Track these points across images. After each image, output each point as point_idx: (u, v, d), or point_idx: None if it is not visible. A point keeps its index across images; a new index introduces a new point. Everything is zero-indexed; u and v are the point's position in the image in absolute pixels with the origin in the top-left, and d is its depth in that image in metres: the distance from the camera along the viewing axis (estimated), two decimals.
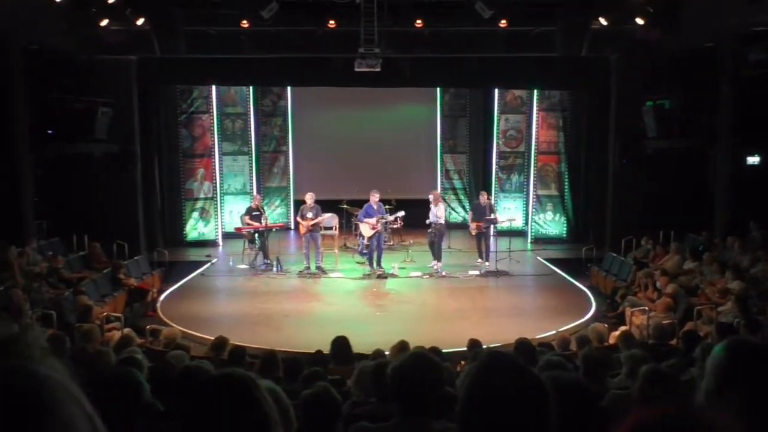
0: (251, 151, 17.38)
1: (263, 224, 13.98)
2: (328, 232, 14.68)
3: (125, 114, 14.35)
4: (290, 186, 18.11)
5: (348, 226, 15.77)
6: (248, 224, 14.14)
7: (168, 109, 16.07)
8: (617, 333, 8.19)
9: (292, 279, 13.45)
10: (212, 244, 16.42)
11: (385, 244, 14.50)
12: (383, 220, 13.49)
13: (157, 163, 15.64)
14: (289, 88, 17.74)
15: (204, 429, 1.54)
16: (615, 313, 11.15)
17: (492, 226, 14.36)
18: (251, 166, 17.40)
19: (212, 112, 16.45)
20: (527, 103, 17.03)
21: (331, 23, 12.96)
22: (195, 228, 16.52)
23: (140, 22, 12.87)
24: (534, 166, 16.73)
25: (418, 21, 13.05)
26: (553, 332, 9.55)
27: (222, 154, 16.92)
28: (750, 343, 1.83)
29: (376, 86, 14.87)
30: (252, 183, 17.38)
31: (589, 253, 14.41)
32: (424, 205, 13.98)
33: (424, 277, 13.41)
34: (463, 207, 18.13)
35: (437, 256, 13.67)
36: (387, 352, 6.45)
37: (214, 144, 16.51)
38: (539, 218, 16.84)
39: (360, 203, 14.22)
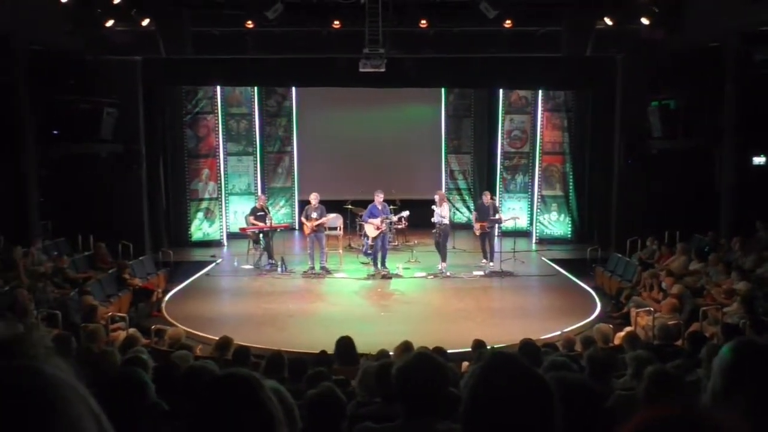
0: (256, 151, 17.39)
1: (268, 224, 13.98)
2: (333, 232, 14.68)
3: (130, 114, 14.37)
4: (295, 186, 18.11)
5: (352, 226, 15.76)
6: (253, 224, 14.14)
7: (173, 109, 16.11)
8: (622, 334, 8.20)
9: (297, 279, 13.45)
10: (217, 244, 16.45)
11: (390, 244, 14.49)
12: (387, 221, 13.47)
13: (162, 164, 15.67)
14: (293, 89, 17.74)
15: (209, 429, 1.54)
16: (620, 314, 11.14)
17: (496, 226, 14.32)
18: (256, 167, 17.41)
19: (217, 113, 16.47)
20: (532, 103, 17.01)
21: (336, 24, 12.94)
22: (200, 228, 16.54)
23: (146, 22, 12.89)
24: (539, 167, 16.70)
25: (423, 21, 13.03)
26: (558, 333, 9.51)
27: (227, 154, 16.94)
28: (757, 344, 1.83)
29: (381, 86, 14.86)
30: (257, 183, 17.39)
31: (594, 253, 14.37)
32: (428, 206, 13.94)
33: (429, 277, 13.39)
34: (468, 207, 18.10)
35: (442, 257, 13.65)
36: (391, 353, 6.44)
37: (218, 144, 16.53)
38: (544, 218, 16.80)
39: (364, 203, 14.19)
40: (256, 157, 17.39)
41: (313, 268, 13.62)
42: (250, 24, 13.02)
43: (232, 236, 16.50)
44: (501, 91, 17.05)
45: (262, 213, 14.10)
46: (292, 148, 18.16)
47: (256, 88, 17.11)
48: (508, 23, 13.02)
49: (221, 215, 16.67)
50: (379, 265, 13.45)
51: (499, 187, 17.28)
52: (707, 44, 13.55)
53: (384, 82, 13.75)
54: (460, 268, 13.84)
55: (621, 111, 14.75)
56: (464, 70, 14.83)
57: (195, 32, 13.45)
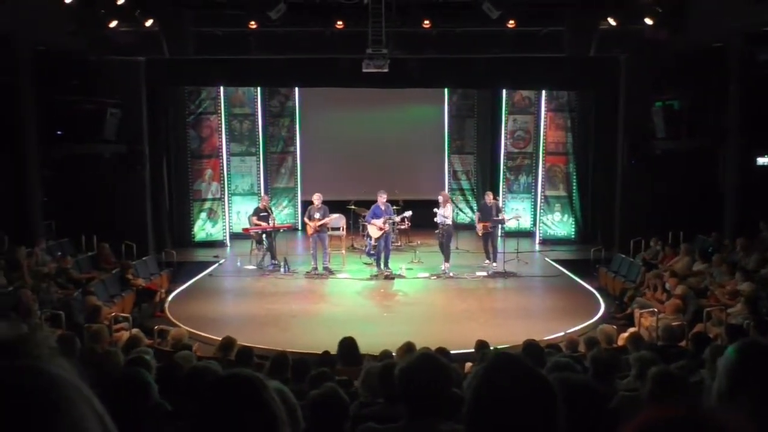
0: (259, 151, 17.38)
1: (271, 225, 13.97)
2: (336, 232, 14.67)
3: (134, 115, 14.40)
4: (298, 187, 18.10)
5: (355, 226, 15.74)
6: (256, 225, 14.13)
7: (176, 109, 16.11)
8: (626, 335, 8.16)
9: (300, 280, 13.44)
10: (220, 244, 16.44)
11: (393, 244, 14.45)
12: (390, 221, 13.46)
13: (165, 164, 15.68)
14: (296, 89, 17.73)
15: (212, 429, 1.54)
16: (624, 315, 11.09)
17: (499, 226, 14.30)
18: (259, 167, 17.40)
19: (220, 113, 16.46)
20: (535, 103, 16.96)
21: (339, 24, 12.90)
22: (203, 229, 16.54)
23: (149, 23, 12.86)
24: (542, 167, 16.66)
25: (426, 22, 12.97)
26: (561, 334, 9.45)
27: (230, 154, 16.93)
28: (761, 344, 1.83)
29: (384, 87, 14.84)
30: (260, 184, 17.38)
31: (598, 254, 14.33)
32: (431, 206, 13.92)
33: (432, 278, 13.37)
34: (471, 208, 18.08)
35: (445, 257, 13.63)
36: (394, 353, 6.43)
37: (221, 145, 16.53)
38: (547, 219, 16.77)
39: (367, 204, 14.18)
40: (259, 158, 17.38)
41: (315, 268, 13.60)
42: (253, 24, 12.98)
43: (235, 237, 16.50)
44: (504, 91, 17.00)
45: (265, 213, 14.09)
46: (295, 149, 18.15)
47: (259, 88, 17.09)
48: (511, 23, 12.98)
49: (224, 215, 16.66)
50: (382, 266, 13.43)
51: (503, 188, 17.24)
52: (711, 44, 13.53)
53: (387, 82, 13.74)
54: (463, 269, 13.81)
55: (624, 111, 14.73)
56: (467, 70, 14.81)
57: (198, 33, 13.45)
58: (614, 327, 8.69)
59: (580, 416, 2.32)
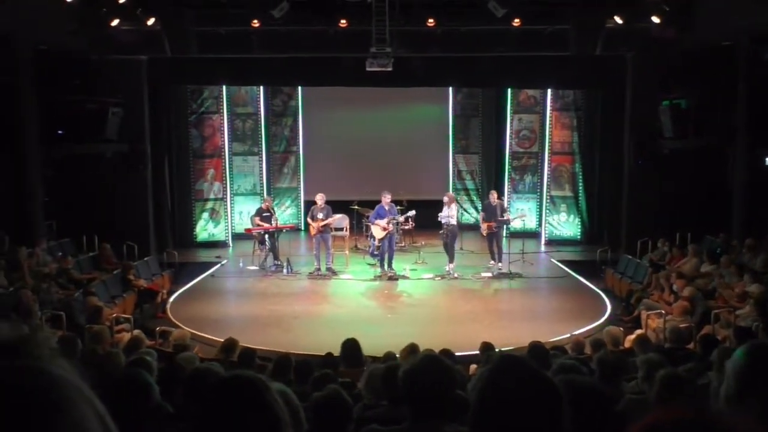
0: (261, 151, 17.31)
1: (273, 225, 13.92)
2: (339, 233, 14.60)
3: (135, 114, 14.37)
4: (300, 186, 18.03)
5: (359, 227, 15.68)
6: (258, 225, 14.07)
7: (178, 109, 16.04)
8: (633, 337, 8.11)
9: (303, 280, 13.40)
10: (222, 245, 16.36)
11: (397, 245, 14.39)
12: (394, 221, 13.37)
13: (167, 164, 15.62)
14: (299, 88, 17.66)
15: (214, 431, 1.53)
16: (630, 317, 11.04)
17: (504, 227, 14.19)
18: (261, 167, 17.32)
19: (222, 112, 16.38)
20: (541, 102, 16.87)
21: (343, 23, 12.85)
22: (205, 229, 16.46)
23: (151, 22, 12.81)
24: (547, 167, 16.56)
25: (430, 20, 12.91)
26: (567, 336, 9.45)
27: (232, 154, 16.87)
28: None
29: (388, 86, 14.78)
30: (262, 183, 17.31)
31: (604, 255, 14.26)
32: (435, 206, 13.88)
33: (436, 278, 13.31)
34: (476, 208, 17.95)
35: (450, 258, 13.54)
36: (398, 355, 6.41)
37: (224, 144, 16.44)
38: (553, 219, 16.67)
39: (371, 204, 14.14)
40: (261, 157, 17.31)
41: (319, 269, 13.55)
42: (255, 23, 12.93)
43: (237, 237, 16.42)
44: (509, 90, 16.91)
45: (268, 214, 14.08)
46: (298, 148, 18.08)
47: (261, 87, 17.03)
48: (516, 22, 12.88)
49: (226, 216, 16.59)
50: (385, 267, 13.37)
51: (508, 188, 17.15)
52: (719, 43, 13.47)
53: (391, 81, 13.67)
54: (467, 270, 13.74)
55: (631, 110, 14.62)
56: (472, 69, 14.72)
57: (200, 31, 13.39)
58: (621, 329, 8.63)
59: (586, 419, 2.30)
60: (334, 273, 13.55)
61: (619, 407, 4.07)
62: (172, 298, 12.19)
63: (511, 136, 17.16)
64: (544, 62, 14.41)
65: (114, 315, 9.92)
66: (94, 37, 12.71)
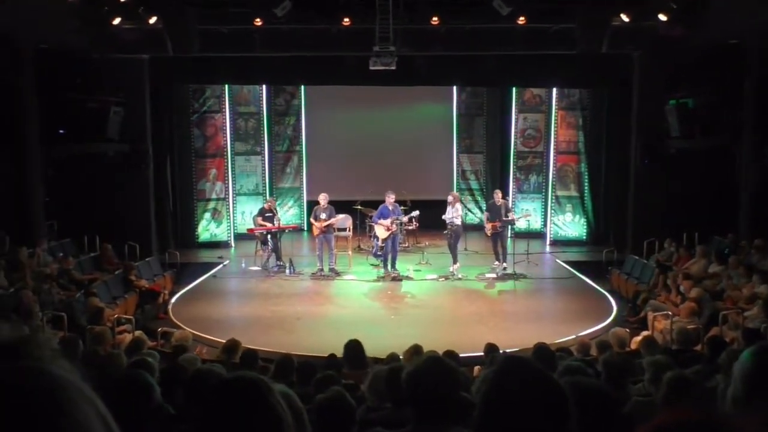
0: (264, 151, 17.24)
1: (276, 225, 13.87)
2: (342, 233, 14.56)
3: (137, 113, 14.35)
4: (303, 186, 17.96)
5: (362, 227, 15.61)
6: (261, 225, 14.02)
7: (180, 108, 15.98)
8: (639, 338, 8.12)
9: (305, 281, 13.35)
10: (224, 245, 16.30)
11: (400, 246, 14.33)
12: (398, 221, 13.31)
13: (169, 163, 15.57)
14: (302, 87, 17.59)
15: None
16: (637, 318, 10.99)
17: (509, 227, 14.10)
18: (264, 166, 17.26)
19: (225, 112, 16.31)
20: (546, 101, 16.78)
21: (346, 21, 12.77)
22: (207, 229, 16.41)
23: (153, 20, 12.75)
24: (553, 167, 16.47)
25: (435, 18, 12.83)
26: (573, 337, 9.40)
27: (234, 153, 16.81)
28: None
29: (392, 85, 14.77)
30: (265, 183, 17.24)
31: (610, 255, 14.18)
32: (439, 206, 13.82)
33: (440, 279, 13.25)
34: (480, 208, 17.87)
35: (453, 258, 13.47)
36: (401, 356, 6.40)
37: (226, 144, 16.38)
38: (558, 220, 16.57)
39: (374, 204, 14.08)
40: (264, 157, 17.24)
41: (321, 269, 13.50)
42: (258, 21, 12.86)
43: (239, 237, 16.37)
44: (514, 89, 16.82)
45: (270, 214, 14.04)
46: (301, 148, 18.00)
47: (264, 86, 16.97)
48: (521, 20, 12.79)
49: (229, 216, 16.53)
50: (389, 267, 13.31)
51: (513, 188, 17.07)
52: (726, 41, 13.35)
53: (394, 80, 13.67)
54: (472, 270, 13.68)
55: (638, 109, 14.54)
56: (476, 68, 14.65)
57: (202, 30, 13.29)
58: (627, 330, 8.61)
59: (592, 421, 2.29)
60: (337, 274, 13.50)
61: (625, 409, 4.07)
62: (173, 299, 12.16)
63: (515, 135, 17.07)
64: (549, 61, 14.32)
65: (115, 316, 9.91)
66: (95, 36, 12.65)
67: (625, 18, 12.78)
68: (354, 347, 6.79)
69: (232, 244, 16.43)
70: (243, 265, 14.53)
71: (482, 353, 7.36)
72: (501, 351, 7.16)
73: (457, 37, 13.45)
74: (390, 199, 13.32)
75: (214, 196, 16.37)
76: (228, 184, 16.48)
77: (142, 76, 14.27)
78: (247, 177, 17.17)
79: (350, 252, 14.53)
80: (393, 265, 13.35)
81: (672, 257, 12.92)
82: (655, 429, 1.03)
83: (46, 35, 12.80)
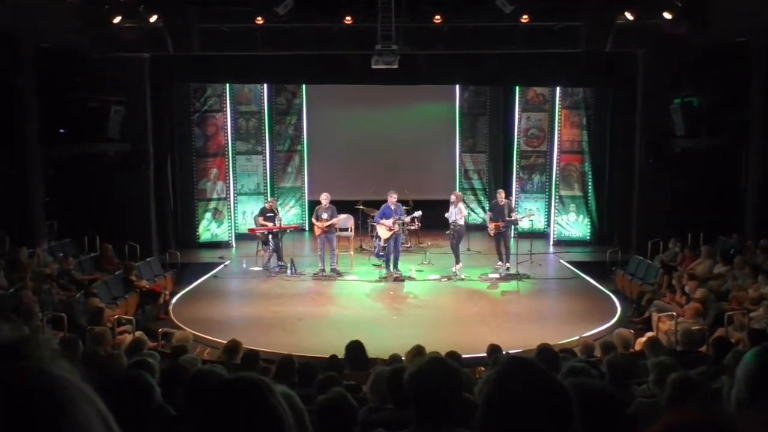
0: (265, 150, 17.19)
1: (277, 225, 13.83)
2: (344, 233, 14.49)
3: (138, 113, 14.33)
4: (305, 186, 17.90)
5: (364, 227, 15.54)
6: (262, 225, 13.98)
7: (181, 107, 15.95)
8: (643, 339, 8.10)
9: (307, 281, 13.32)
10: (225, 245, 16.27)
11: (403, 246, 14.27)
12: (400, 221, 13.25)
13: (170, 163, 15.54)
14: (304, 86, 17.54)
15: None
16: (641, 319, 10.95)
17: (512, 227, 14.03)
18: (265, 166, 17.21)
19: (226, 111, 16.26)
20: (549, 100, 16.71)
21: (348, 19, 12.77)
22: (208, 229, 16.36)
23: (153, 19, 12.75)
24: (556, 166, 16.40)
25: (437, 17, 12.83)
26: (577, 338, 9.39)
27: (235, 153, 16.77)
28: None
29: (394, 84, 14.72)
30: (266, 183, 17.19)
31: (614, 255, 14.11)
32: (442, 206, 13.78)
33: (442, 280, 13.19)
34: (483, 208, 17.79)
35: (456, 258, 13.42)
36: (403, 357, 6.37)
37: (227, 143, 16.34)
38: (562, 220, 16.50)
39: (376, 204, 14.04)
40: (265, 156, 17.19)
41: (323, 270, 13.45)
42: (259, 20, 12.86)
43: (240, 237, 16.33)
44: (517, 88, 16.77)
45: (272, 214, 14.00)
46: (303, 147, 17.94)
47: (265, 85, 16.92)
48: (525, 18, 12.79)
49: (230, 216, 16.49)
50: (391, 268, 13.25)
51: (516, 187, 17.01)
52: (732, 39, 13.28)
53: (397, 79, 13.63)
54: (474, 271, 13.64)
55: (642, 108, 14.47)
56: (479, 66, 14.61)
57: (203, 28, 13.30)
58: (631, 331, 8.56)
59: (596, 423, 2.29)
60: (339, 274, 13.46)
61: (629, 411, 4.06)
62: (174, 300, 12.13)
63: (519, 134, 17.01)
64: (552, 59, 14.26)
65: (116, 316, 9.88)
66: (95, 35, 12.68)
67: (629, 16, 12.77)
68: (356, 348, 6.77)
69: (233, 244, 16.38)
70: (244, 265, 14.49)
71: (485, 354, 7.31)
72: (504, 352, 7.15)
73: (460, 36, 13.43)
74: (392, 198, 13.28)
75: (215, 195, 16.32)
76: (229, 183, 16.44)
77: (143, 75, 14.23)
78: (248, 177, 17.12)
79: (352, 252, 14.47)
80: (395, 266, 13.29)
81: (677, 257, 12.87)
82: (661, 431, 1.03)
83: (46, 34, 12.77)
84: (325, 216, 13.25)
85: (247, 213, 16.67)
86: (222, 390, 1.55)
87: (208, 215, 16.31)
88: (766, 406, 1.53)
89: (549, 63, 14.39)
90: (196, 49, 13.39)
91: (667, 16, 12.49)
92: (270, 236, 13.97)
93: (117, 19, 12.52)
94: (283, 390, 1.68)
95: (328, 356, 7.15)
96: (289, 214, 17.34)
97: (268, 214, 13.98)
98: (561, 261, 14.96)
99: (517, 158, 17.07)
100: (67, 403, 0.86)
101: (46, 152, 13.44)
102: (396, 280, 13.04)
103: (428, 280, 13.22)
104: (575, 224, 16.50)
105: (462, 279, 13.16)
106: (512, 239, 14.08)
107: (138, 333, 8.90)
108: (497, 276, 13.34)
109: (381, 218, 13.24)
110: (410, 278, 13.18)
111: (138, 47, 13.44)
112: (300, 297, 12.31)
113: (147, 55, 14.03)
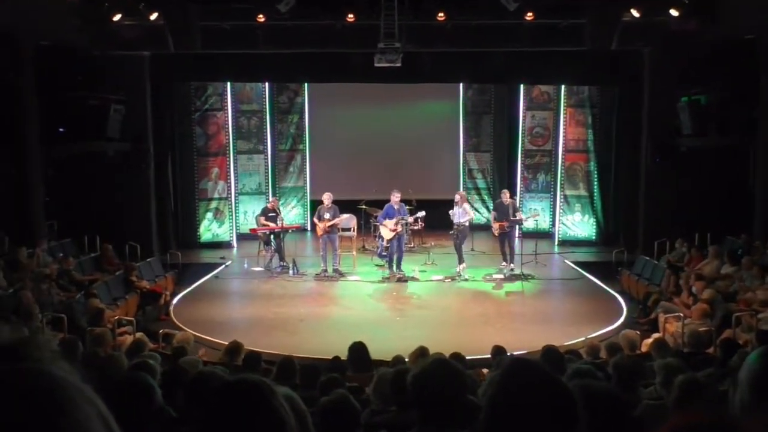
0: (267, 149, 17.14)
1: (279, 225, 13.79)
2: (346, 233, 14.46)
3: (138, 112, 14.30)
4: (307, 186, 17.87)
5: (367, 227, 15.48)
6: (263, 225, 13.92)
7: (182, 106, 15.92)
8: (650, 340, 8.07)
9: (309, 282, 13.29)
10: (226, 245, 16.23)
11: (406, 246, 14.24)
12: (403, 221, 13.17)
13: (171, 163, 15.49)
14: (306, 85, 17.50)
15: None
16: (647, 320, 10.88)
17: (516, 227, 13.93)
18: (267, 165, 17.16)
19: (227, 110, 16.21)
20: (554, 99, 16.65)
21: (350, 17, 12.71)
22: (209, 229, 16.33)
23: (154, 17, 12.67)
24: (561, 165, 16.31)
25: (441, 14, 12.75)
26: (582, 339, 9.33)
27: (237, 152, 16.72)
28: None
29: (397, 82, 14.67)
30: (267, 182, 17.14)
31: (620, 256, 14.01)
32: (446, 206, 13.71)
33: (446, 280, 13.15)
34: (487, 208, 17.70)
35: (460, 258, 13.36)
36: (407, 359, 6.38)
37: (228, 142, 16.29)
38: (567, 219, 16.41)
39: (379, 203, 14.01)
40: (266, 156, 17.14)
41: (325, 270, 13.41)
42: (261, 18, 12.81)
43: (242, 237, 16.31)
44: (522, 86, 16.72)
45: (273, 213, 13.97)
46: (305, 146, 17.90)
47: (267, 84, 16.88)
48: (529, 16, 12.70)
49: (231, 216, 16.45)
50: (394, 268, 13.20)
51: (520, 187, 16.99)
52: (741, 36, 13.19)
53: (400, 77, 13.59)
54: (478, 271, 13.58)
55: (649, 107, 14.39)
56: (483, 64, 14.52)
57: (204, 26, 13.23)
58: (637, 332, 8.61)
59: (603, 425, 2.30)
60: (341, 274, 13.42)
61: (636, 413, 4.08)
62: (175, 300, 12.12)
63: (523, 133, 16.96)
64: (558, 57, 14.16)
65: (116, 317, 9.86)
66: (96, 33, 12.60)
67: (635, 13, 12.65)
68: (358, 349, 6.76)
69: (235, 245, 16.35)
70: (245, 265, 14.46)
71: (489, 355, 7.32)
72: (508, 353, 7.14)
73: (464, 34, 13.35)
74: (395, 198, 13.23)
75: (216, 195, 16.28)
76: (230, 183, 16.39)
77: (143, 74, 14.19)
78: (250, 176, 17.07)
79: (355, 252, 14.42)
80: (398, 266, 13.25)
81: (684, 258, 12.79)
82: None
83: (46, 32, 12.75)
84: (327, 216, 13.20)
85: (248, 213, 16.62)
86: (223, 392, 1.55)
87: (209, 215, 16.27)
88: None
89: (554, 61, 14.29)
90: (197, 47, 13.31)
91: (673, 13, 12.36)
92: (272, 236, 13.95)
93: (117, 17, 12.44)
94: (285, 392, 1.67)
95: (330, 358, 7.14)
96: (291, 213, 17.29)
97: (269, 214, 13.94)
98: (566, 261, 14.90)
99: (521, 157, 17.03)
100: (67, 404, 0.86)
101: (46, 152, 13.45)
102: (399, 280, 13.00)
103: (432, 280, 13.18)
104: (580, 224, 16.41)
105: (466, 279, 13.11)
106: (517, 239, 14.06)
107: (138, 334, 8.89)
108: (501, 276, 13.28)
109: (384, 218, 13.21)
110: (413, 279, 13.13)
111: (138, 45, 13.37)
112: (302, 298, 12.28)
113: (147, 53, 13.97)
